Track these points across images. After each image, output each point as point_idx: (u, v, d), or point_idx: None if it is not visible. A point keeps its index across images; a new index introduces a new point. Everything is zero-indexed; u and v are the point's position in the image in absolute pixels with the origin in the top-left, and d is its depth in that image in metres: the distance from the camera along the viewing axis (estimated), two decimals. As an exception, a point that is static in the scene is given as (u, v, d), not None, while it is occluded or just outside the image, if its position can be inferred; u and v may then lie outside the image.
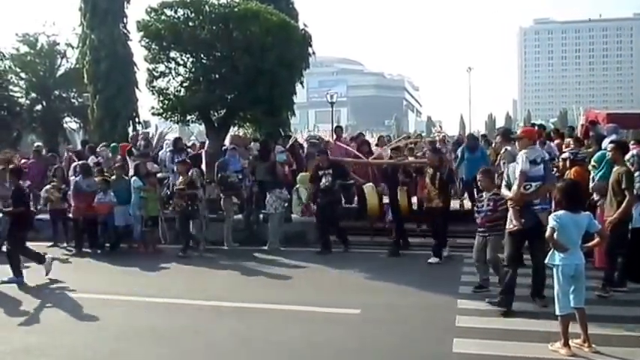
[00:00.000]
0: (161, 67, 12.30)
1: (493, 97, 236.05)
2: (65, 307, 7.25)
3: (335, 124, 22.41)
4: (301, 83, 19.36)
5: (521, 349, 5.24)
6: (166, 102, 12.35)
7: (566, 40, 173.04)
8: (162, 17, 11.75)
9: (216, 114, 12.85)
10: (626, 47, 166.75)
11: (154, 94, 12.44)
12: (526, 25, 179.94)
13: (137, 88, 22.33)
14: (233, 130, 14.33)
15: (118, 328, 6.35)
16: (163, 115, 12.55)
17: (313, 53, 20.73)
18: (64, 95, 29.08)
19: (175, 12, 11.75)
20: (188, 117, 12.67)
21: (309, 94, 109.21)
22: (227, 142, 13.53)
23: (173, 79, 12.42)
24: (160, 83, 12.45)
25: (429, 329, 6.01)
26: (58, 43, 29.62)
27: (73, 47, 27.67)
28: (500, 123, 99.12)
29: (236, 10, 11.75)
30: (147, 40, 12.08)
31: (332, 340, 5.75)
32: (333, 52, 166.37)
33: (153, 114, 12.82)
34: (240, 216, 11.72)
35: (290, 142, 14.58)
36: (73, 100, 28.82)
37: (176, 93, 12.30)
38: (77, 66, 25.91)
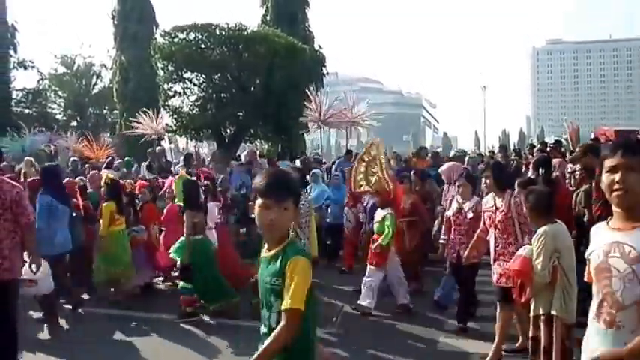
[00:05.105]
0: (175, 87, 12.23)
1: (507, 114, 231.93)
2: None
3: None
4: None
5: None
6: (180, 120, 12.24)
7: (577, 60, 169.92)
8: (176, 40, 11.67)
9: (227, 131, 12.70)
10: (636, 66, 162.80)
11: (168, 112, 12.35)
12: (539, 45, 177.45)
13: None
14: (244, 147, 14.12)
15: None
16: (177, 133, 12.43)
17: (327, 73, 20.53)
18: (97, 112, 29.47)
19: (187, 35, 11.67)
20: (201, 134, 12.54)
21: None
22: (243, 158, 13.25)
23: (187, 98, 12.33)
24: (175, 102, 12.36)
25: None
26: (94, 64, 30.21)
27: (107, 68, 28.14)
28: (513, 139, 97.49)
29: (245, 33, 11.62)
30: (163, 62, 12.03)
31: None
32: (354, 71, 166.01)
33: (167, 131, 12.71)
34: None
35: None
36: (106, 117, 29.20)
37: (189, 111, 12.19)
38: (110, 85, 26.22)
